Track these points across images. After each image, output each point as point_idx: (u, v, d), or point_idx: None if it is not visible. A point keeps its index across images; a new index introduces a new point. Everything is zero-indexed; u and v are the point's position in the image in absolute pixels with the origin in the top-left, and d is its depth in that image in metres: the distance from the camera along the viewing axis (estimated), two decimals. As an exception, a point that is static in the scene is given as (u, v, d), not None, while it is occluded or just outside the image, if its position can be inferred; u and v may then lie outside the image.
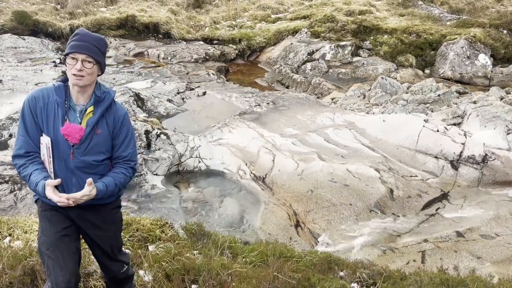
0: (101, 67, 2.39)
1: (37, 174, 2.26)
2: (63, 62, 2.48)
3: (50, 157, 2.30)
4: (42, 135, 2.31)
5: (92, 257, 3.41)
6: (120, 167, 2.47)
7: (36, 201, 2.52)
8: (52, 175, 2.32)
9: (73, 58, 2.27)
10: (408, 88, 11.78)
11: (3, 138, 7.17)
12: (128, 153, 2.49)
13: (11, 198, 5.70)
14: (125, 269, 2.78)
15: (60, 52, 14.16)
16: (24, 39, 14.58)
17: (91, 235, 2.55)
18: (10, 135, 7.22)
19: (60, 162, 2.33)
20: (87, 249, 3.02)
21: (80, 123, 2.34)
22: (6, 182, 5.89)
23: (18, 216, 4.34)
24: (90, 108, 2.37)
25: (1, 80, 10.08)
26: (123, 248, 2.89)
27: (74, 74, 2.27)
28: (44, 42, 14.93)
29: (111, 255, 2.67)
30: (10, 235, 3.74)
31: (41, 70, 11.43)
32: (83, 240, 2.66)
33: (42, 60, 12.82)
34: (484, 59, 13.59)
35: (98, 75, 2.41)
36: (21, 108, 2.35)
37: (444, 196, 6.54)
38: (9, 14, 16.25)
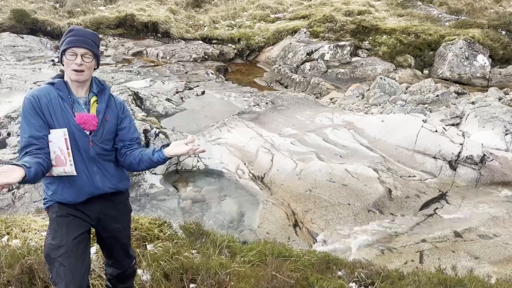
0: (98, 61, 2.43)
1: (21, 161, 2.16)
2: (59, 59, 2.51)
3: (68, 149, 2.28)
4: (49, 133, 2.27)
5: (90, 255, 3.41)
6: (139, 148, 2.53)
7: (48, 207, 2.45)
8: (73, 167, 2.31)
9: (72, 54, 2.30)
10: (406, 89, 11.80)
11: (1, 137, 7.15)
12: (137, 134, 2.58)
13: (9, 196, 5.70)
14: (133, 263, 2.80)
15: (58, 51, 14.14)
16: (22, 38, 14.57)
17: (112, 230, 2.56)
18: (8, 134, 7.21)
19: (78, 154, 2.33)
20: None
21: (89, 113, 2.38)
22: (4, 180, 5.88)
23: (16, 214, 4.33)
24: (94, 98, 2.42)
25: (0, 78, 10.05)
26: None
27: (74, 70, 2.30)
28: (42, 41, 14.91)
29: (127, 248, 2.70)
30: (8, 233, 3.72)
31: (40, 69, 11.42)
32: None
33: (41, 58, 12.80)
34: (482, 59, 13.62)
35: (95, 69, 2.44)
36: (22, 110, 2.31)
37: (442, 196, 6.55)
38: (7, 13, 16.23)
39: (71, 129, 2.29)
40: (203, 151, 2.37)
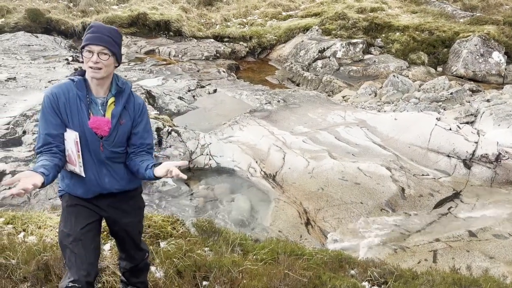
0: (117, 58, 2.38)
1: (41, 162, 2.23)
2: (80, 55, 2.49)
3: (79, 151, 2.33)
4: (66, 131, 2.32)
5: (105, 253, 3.46)
6: (147, 154, 2.50)
7: (61, 196, 2.53)
8: (82, 169, 2.37)
9: (89, 51, 2.29)
10: (420, 86, 11.67)
11: (17, 135, 7.26)
12: (151, 140, 2.55)
13: (25, 194, 5.77)
14: (146, 257, 2.86)
15: (72, 49, 14.30)
16: (37, 37, 14.74)
17: (123, 224, 2.60)
18: (24, 132, 7.31)
19: (89, 155, 2.37)
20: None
21: (104, 115, 2.37)
22: (20, 178, 5.97)
23: (32, 211, 4.39)
24: (111, 100, 2.40)
25: (15, 77, 10.20)
26: None
27: (91, 67, 2.29)
28: (56, 40, 15.07)
29: (138, 242, 2.75)
30: (24, 230, 3.78)
31: (54, 68, 11.54)
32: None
33: (55, 57, 12.95)
34: (498, 56, 13.40)
35: (115, 67, 2.41)
36: (41, 107, 2.35)
37: (456, 195, 6.47)
38: (22, 12, 16.45)
39: (84, 131, 2.32)
40: (177, 176, 2.30)
